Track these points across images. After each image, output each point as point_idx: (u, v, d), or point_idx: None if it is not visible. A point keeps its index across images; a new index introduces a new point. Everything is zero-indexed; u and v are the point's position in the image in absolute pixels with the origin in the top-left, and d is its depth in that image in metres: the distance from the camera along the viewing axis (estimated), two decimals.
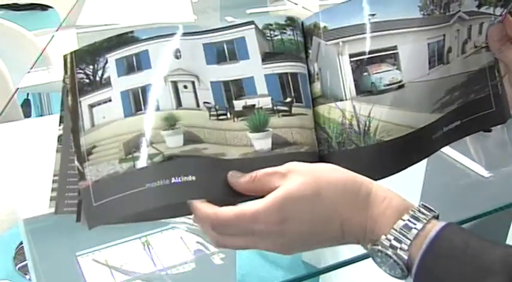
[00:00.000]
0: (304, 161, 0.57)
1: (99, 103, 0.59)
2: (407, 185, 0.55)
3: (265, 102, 0.59)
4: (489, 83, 0.63)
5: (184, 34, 0.60)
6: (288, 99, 0.59)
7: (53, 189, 0.64)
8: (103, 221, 0.56)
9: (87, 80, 0.60)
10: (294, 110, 0.59)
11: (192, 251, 0.92)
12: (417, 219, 0.50)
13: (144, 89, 0.58)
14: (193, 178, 0.55)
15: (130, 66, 0.59)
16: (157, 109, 0.57)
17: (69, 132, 0.62)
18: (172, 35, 0.60)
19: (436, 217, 0.51)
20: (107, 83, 0.59)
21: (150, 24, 1.74)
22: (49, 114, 2.23)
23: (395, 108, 0.59)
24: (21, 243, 1.96)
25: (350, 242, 0.53)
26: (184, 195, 0.55)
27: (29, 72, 1.48)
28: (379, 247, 0.50)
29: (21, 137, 0.94)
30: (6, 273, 1.98)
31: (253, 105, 0.58)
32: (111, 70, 0.59)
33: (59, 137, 0.65)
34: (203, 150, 0.57)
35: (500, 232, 1.20)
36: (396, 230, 0.50)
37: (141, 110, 0.58)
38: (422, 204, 0.52)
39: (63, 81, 0.62)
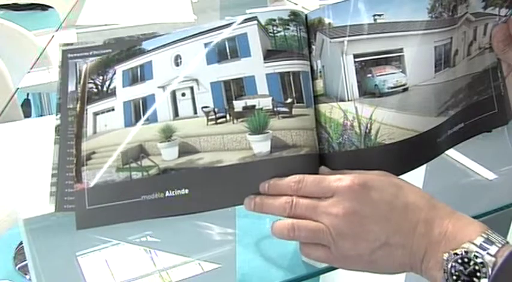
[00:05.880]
0: (303, 164, 0.57)
1: (102, 111, 0.61)
2: None
3: (266, 102, 0.58)
4: (492, 84, 0.63)
5: (187, 37, 0.60)
6: (289, 100, 0.59)
7: (52, 184, 0.64)
8: (93, 224, 0.58)
9: (96, 90, 0.62)
10: (295, 111, 0.58)
11: (192, 250, 0.92)
12: (498, 236, 0.51)
13: (145, 100, 0.60)
14: (186, 191, 0.56)
15: (134, 77, 0.61)
16: (156, 120, 0.59)
17: (67, 123, 0.64)
18: (176, 42, 0.60)
19: None
20: (112, 93, 0.61)
21: (151, 24, 1.74)
22: (49, 114, 2.23)
23: (398, 112, 0.58)
24: (21, 243, 1.96)
25: (414, 252, 0.52)
26: (177, 208, 0.56)
27: (29, 72, 1.48)
28: (463, 250, 0.50)
29: (21, 137, 0.94)
30: (6, 273, 1.98)
31: (254, 106, 0.58)
32: (118, 81, 0.61)
33: (57, 127, 0.65)
34: (198, 160, 0.57)
35: (500, 232, 1.19)
36: (484, 237, 0.51)
37: (140, 120, 0.59)
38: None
39: (60, 68, 0.65)
